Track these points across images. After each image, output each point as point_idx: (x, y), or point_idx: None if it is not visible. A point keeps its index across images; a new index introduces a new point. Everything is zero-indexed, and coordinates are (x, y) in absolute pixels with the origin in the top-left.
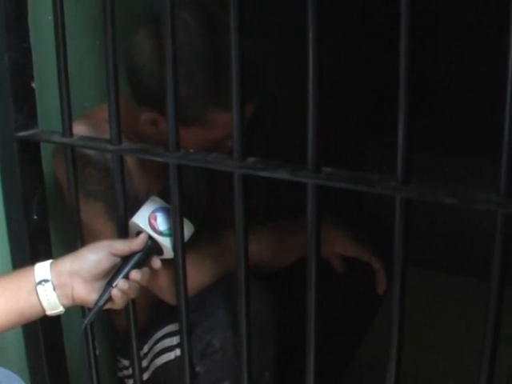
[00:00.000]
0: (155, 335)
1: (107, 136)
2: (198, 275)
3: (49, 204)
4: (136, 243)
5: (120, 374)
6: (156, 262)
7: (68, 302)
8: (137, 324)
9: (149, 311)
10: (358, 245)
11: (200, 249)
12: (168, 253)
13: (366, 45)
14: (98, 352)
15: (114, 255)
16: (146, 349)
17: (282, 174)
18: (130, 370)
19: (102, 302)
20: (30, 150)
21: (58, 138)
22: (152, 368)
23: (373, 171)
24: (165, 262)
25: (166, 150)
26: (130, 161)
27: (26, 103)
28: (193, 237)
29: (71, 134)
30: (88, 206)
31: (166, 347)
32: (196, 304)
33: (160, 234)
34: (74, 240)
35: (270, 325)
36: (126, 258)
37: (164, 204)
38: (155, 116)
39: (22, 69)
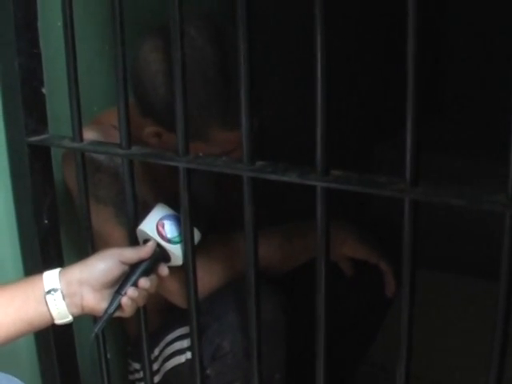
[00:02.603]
0: (166, 338)
1: (115, 141)
2: (207, 278)
3: (59, 209)
4: (145, 251)
5: (131, 377)
6: (164, 270)
7: (77, 311)
8: (147, 327)
9: (159, 315)
10: (366, 247)
11: (210, 251)
12: (176, 260)
13: (373, 46)
14: (109, 355)
15: (123, 263)
16: (156, 352)
17: (291, 177)
18: (141, 373)
19: (111, 310)
20: (41, 155)
21: (68, 143)
22: (163, 371)
23: (380, 173)
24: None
25: (176, 155)
26: (138, 168)
27: (36, 108)
28: (202, 240)
29: (81, 139)
30: (98, 210)
31: (177, 350)
32: (206, 307)
33: (168, 241)
34: (84, 244)
35: (279, 327)
36: (134, 266)
37: (171, 211)
38: (159, 129)
39: (32, 74)
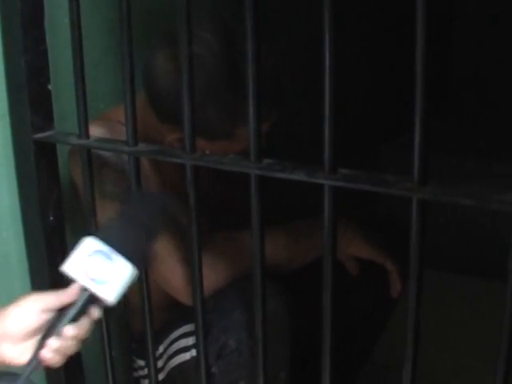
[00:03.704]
0: (171, 336)
1: (122, 137)
2: (213, 276)
3: (65, 205)
4: (67, 296)
5: (135, 375)
6: (94, 313)
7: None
8: (152, 324)
9: (164, 312)
10: (372, 247)
11: (216, 249)
12: (107, 301)
13: (380, 45)
14: (113, 352)
15: (46, 310)
16: (161, 349)
17: (299, 176)
18: (146, 370)
19: (31, 366)
20: (47, 152)
21: (74, 140)
22: (167, 368)
23: (387, 172)
24: (181, 261)
25: (183, 152)
26: (146, 165)
27: (42, 105)
28: (205, 239)
29: (87, 136)
30: (104, 206)
31: (182, 348)
32: (212, 304)
33: (94, 282)
34: None
35: (285, 325)
36: (61, 310)
37: (101, 246)
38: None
39: (39, 71)
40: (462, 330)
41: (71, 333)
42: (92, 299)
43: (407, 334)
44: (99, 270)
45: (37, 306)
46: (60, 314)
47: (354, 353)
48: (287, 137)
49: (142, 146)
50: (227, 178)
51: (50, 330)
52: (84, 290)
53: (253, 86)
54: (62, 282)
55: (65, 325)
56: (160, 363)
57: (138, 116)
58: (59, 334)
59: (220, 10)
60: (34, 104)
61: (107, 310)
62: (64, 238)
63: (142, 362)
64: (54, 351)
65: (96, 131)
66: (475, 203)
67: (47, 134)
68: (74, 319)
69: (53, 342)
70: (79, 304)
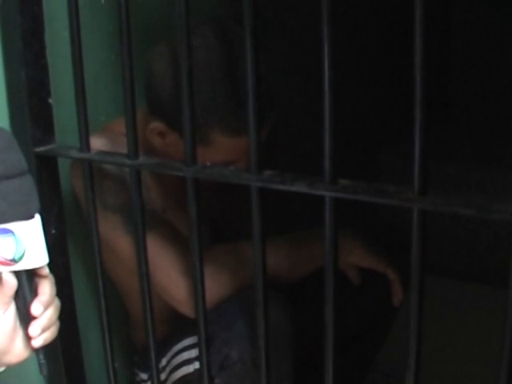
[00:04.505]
0: (173, 348)
1: (125, 150)
2: (215, 288)
3: (67, 218)
4: (7, 288)
5: None
6: (42, 273)
7: None
8: (155, 337)
9: (166, 324)
10: (373, 256)
11: (218, 261)
12: (44, 264)
13: (379, 51)
14: (116, 365)
15: (5, 309)
16: (164, 362)
17: (299, 187)
18: (149, 383)
19: (40, 361)
20: (48, 165)
21: (75, 153)
22: (170, 381)
23: (383, 180)
24: (184, 273)
25: (183, 164)
26: (148, 176)
27: (43, 119)
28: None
29: (89, 149)
30: (106, 218)
31: (185, 360)
32: (214, 316)
33: (15, 261)
34: (92, 254)
35: (287, 335)
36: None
37: None
38: (163, 128)
39: (39, 85)
40: (463, 337)
41: (41, 308)
42: (29, 273)
43: (409, 342)
44: (8, 248)
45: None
46: (17, 303)
47: (356, 361)
48: (285, 146)
49: (142, 159)
50: (230, 189)
51: (22, 320)
52: (15, 273)
53: (252, 94)
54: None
55: (29, 308)
56: (163, 376)
57: (140, 129)
58: (32, 318)
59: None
60: (34, 117)
61: (109, 322)
62: (66, 250)
63: (144, 376)
64: (41, 333)
65: (98, 142)
66: (475, 213)
67: (48, 147)
68: (32, 295)
69: (32, 329)
70: (25, 284)
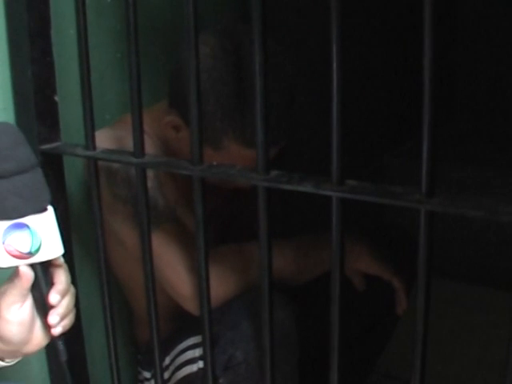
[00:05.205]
0: (177, 347)
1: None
2: (221, 287)
3: (72, 216)
4: (25, 280)
5: None
6: (57, 263)
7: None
8: (159, 335)
9: (170, 323)
10: (380, 263)
11: (224, 261)
12: (59, 255)
13: (386, 53)
14: (119, 363)
15: (22, 301)
16: (167, 361)
17: (306, 188)
18: (152, 381)
19: (59, 349)
20: (53, 163)
21: (81, 151)
22: (174, 380)
23: (388, 181)
24: (191, 270)
25: (190, 163)
26: (162, 173)
27: (48, 116)
28: (214, 250)
29: (94, 148)
30: (116, 209)
31: (189, 359)
32: (219, 316)
33: (31, 255)
34: (97, 251)
35: (292, 337)
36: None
37: (10, 222)
38: (178, 121)
39: (45, 82)
40: (469, 339)
41: (58, 297)
42: (44, 265)
43: (415, 344)
44: (24, 242)
45: (16, 305)
46: (34, 293)
47: (360, 363)
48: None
49: (148, 157)
50: (238, 189)
51: (39, 310)
52: (31, 265)
53: (260, 96)
54: None
55: (46, 298)
56: (166, 375)
57: (157, 122)
58: (50, 307)
59: (227, 20)
60: (40, 115)
61: (113, 321)
62: (71, 248)
63: (147, 374)
64: (60, 322)
65: (113, 135)
66: (483, 215)
67: (54, 145)
68: (48, 285)
69: (52, 318)
70: (40, 275)
